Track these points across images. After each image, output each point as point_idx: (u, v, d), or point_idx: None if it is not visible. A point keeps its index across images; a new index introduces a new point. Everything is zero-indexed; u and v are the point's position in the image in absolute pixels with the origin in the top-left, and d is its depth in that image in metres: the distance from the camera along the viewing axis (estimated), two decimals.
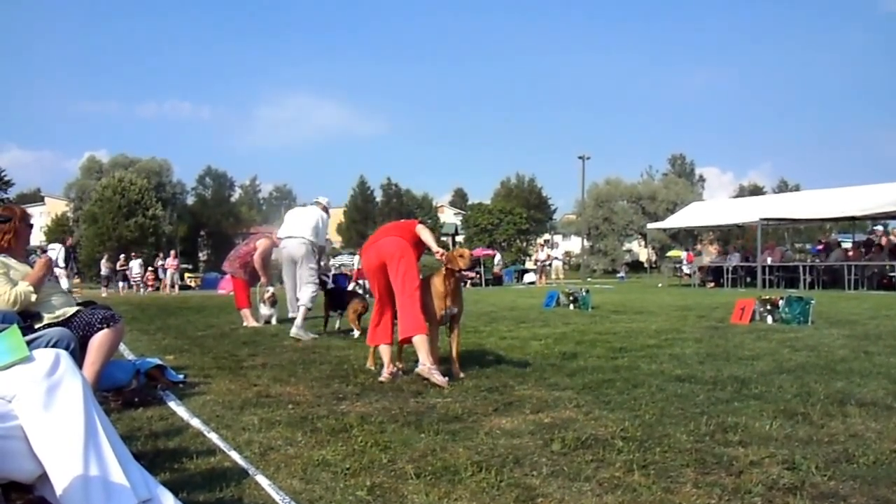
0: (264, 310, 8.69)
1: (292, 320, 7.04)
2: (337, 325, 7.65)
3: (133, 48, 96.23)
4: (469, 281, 4.76)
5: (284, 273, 7.57)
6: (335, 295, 7.72)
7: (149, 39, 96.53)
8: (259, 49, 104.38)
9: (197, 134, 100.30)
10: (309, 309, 6.98)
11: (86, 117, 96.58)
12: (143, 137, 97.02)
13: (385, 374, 4.33)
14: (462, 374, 4.32)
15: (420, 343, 4.18)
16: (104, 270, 25.72)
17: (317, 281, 7.21)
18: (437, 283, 4.42)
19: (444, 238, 40.46)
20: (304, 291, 7.03)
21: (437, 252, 4.44)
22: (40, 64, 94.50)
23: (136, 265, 27.04)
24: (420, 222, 4.71)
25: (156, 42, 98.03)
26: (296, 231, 7.17)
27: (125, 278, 26.59)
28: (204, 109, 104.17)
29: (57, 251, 17.32)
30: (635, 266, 52.39)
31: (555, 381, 4.11)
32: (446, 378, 4.13)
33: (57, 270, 13.86)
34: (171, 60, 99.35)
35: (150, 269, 27.85)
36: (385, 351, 4.45)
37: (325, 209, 7.51)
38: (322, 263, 7.61)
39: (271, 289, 8.88)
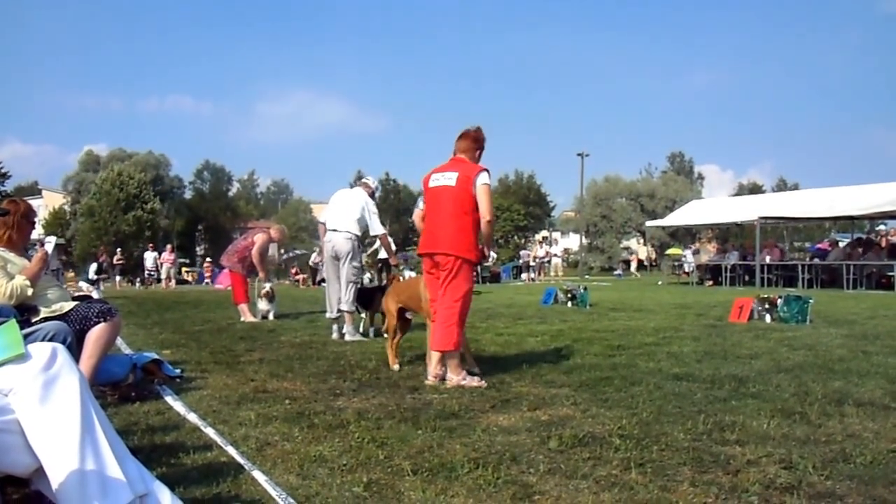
0: (262, 305, 8.70)
1: (336, 320, 6.52)
2: (361, 328, 6.85)
3: (137, 43, 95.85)
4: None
5: (326, 270, 6.95)
6: (362, 293, 7.00)
7: (152, 34, 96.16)
8: (262, 44, 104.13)
9: (196, 128, 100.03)
10: (352, 312, 6.52)
11: (87, 111, 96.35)
12: (144, 132, 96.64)
13: (433, 377, 4.12)
14: (477, 368, 4.26)
15: (450, 360, 4.05)
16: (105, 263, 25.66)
17: (359, 281, 6.61)
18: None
19: None
20: (347, 293, 6.45)
21: (488, 253, 4.33)
22: (43, 58, 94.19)
23: (150, 258, 26.95)
24: (483, 170, 4.15)
25: (159, 37, 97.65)
26: (340, 224, 6.54)
27: (122, 272, 26.55)
28: (205, 104, 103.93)
29: (91, 270, 17.72)
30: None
31: (552, 379, 4.11)
32: (476, 377, 4.06)
33: (83, 285, 14.03)
34: (174, 55, 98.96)
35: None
36: (434, 355, 4.15)
37: (373, 193, 6.89)
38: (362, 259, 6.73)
39: (268, 284, 8.87)
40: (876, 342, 5.76)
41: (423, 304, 4.42)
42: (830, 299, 11.73)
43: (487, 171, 4.17)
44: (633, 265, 37.74)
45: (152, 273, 26.76)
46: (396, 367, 4.57)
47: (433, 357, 4.14)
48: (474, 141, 4.33)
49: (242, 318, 8.51)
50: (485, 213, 4.11)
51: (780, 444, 2.65)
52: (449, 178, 4.18)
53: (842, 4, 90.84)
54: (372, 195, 6.87)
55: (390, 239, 8.21)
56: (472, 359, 4.42)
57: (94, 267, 18.45)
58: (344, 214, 6.59)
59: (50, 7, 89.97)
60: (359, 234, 6.57)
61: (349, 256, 6.47)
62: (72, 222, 49.36)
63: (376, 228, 6.69)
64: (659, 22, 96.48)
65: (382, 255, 11.35)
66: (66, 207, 52.26)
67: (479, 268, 24.21)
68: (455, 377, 4.02)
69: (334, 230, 6.57)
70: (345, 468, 2.40)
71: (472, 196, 4.11)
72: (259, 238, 8.89)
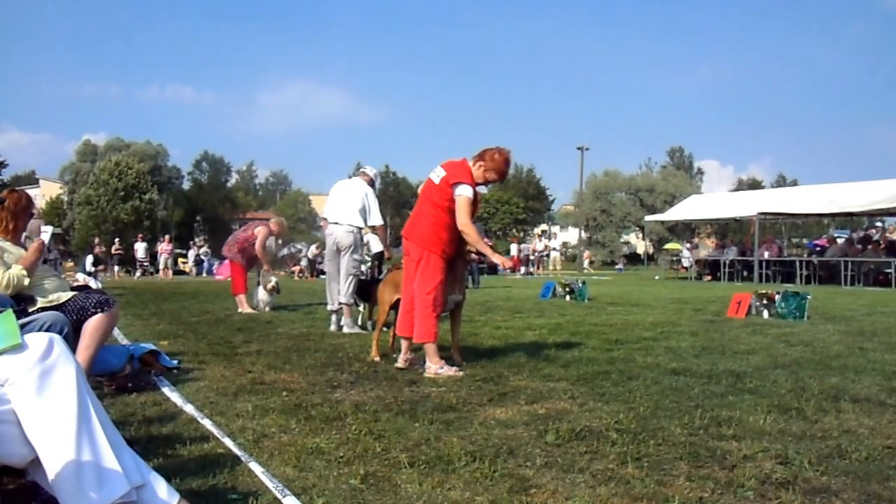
0: (262, 296, 8.70)
1: (335, 312, 6.55)
2: (359, 320, 6.84)
3: (137, 32, 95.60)
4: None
5: (327, 262, 7.00)
6: (361, 285, 6.90)
7: (153, 24, 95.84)
8: (263, 34, 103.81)
9: (196, 119, 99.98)
10: (351, 304, 6.55)
11: (86, 101, 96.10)
12: (143, 122, 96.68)
13: (401, 361, 4.35)
14: (463, 363, 4.33)
15: (428, 349, 4.17)
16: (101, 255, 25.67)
17: (359, 273, 6.68)
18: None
19: None
20: (346, 285, 6.47)
21: (490, 255, 4.46)
22: (42, 46, 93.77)
23: (140, 248, 26.95)
24: (467, 183, 4.20)
25: (160, 26, 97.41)
26: (342, 217, 6.55)
27: (121, 262, 26.55)
28: (206, 94, 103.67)
29: (87, 262, 18.06)
30: (632, 258, 52.45)
31: (549, 373, 4.11)
32: (455, 367, 4.16)
33: (80, 276, 14.19)
34: (175, 45, 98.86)
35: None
36: (405, 339, 4.40)
37: (372, 182, 6.84)
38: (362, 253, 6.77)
39: (274, 278, 8.87)
40: (873, 339, 5.77)
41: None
42: (828, 296, 11.75)
43: (472, 186, 4.22)
44: (587, 262, 36.98)
45: (144, 263, 26.79)
46: (377, 358, 4.64)
47: (404, 342, 4.38)
48: (491, 159, 4.31)
49: (240, 309, 8.50)
50: (459, 222, 4.19)
51: (776, 440, 2.66)
52: (438, 175, 4.32)
53: (843, 1, 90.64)
54: (371, 184, 6.84)
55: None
56: (459, 349, 4.50)
57: (90, 259, 18.75)
58: (345, 207, 6.59)
59: None
60: (361, 226, 6.58)
61: (350, 249, 6.50)
62: (69, 212, 49.28)
63: (375, 219, 6.70)
64: (660, 17, 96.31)
65: (377, 247, 11.31)
66: (64, 197, 52.16)
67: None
68: (433, 366, 4.11)
69: (336, 223, 6.59)
70: (342, 460, 2.40)
71: (449, 196, 4.22)
72: (260, 231, 8.87)
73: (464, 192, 4.18)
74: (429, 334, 4.17)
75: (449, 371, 4.07)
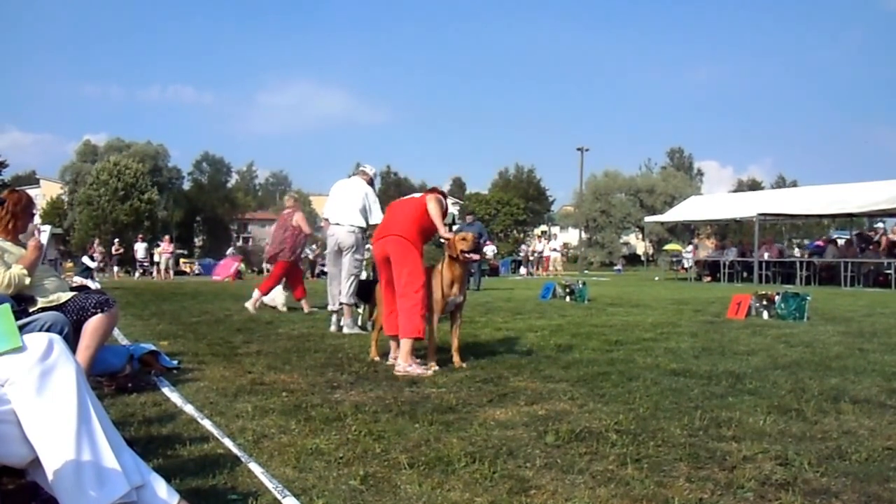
0: (280, 297, 8.81)
1: (335, 312, 6.58)
2: (359, 321, 6.72)
3: (138, 33, 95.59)
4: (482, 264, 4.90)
5: (328, 262, 7.03)
6: (362, 286, 6.74)
7: (155, 24, 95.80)
8: (265, 34, 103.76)
9: (196, 119, 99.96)
10: (353, 305, 6.55)
11: (87, 101, 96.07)
12: (144, 122, 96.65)
13: (392, 360, 4.40)
14: (464, 365, 4.35)
15: (406, 345, 4.23)
16: (96, 255, 25.71)
17: (360, 273, 6.72)
18: (443, 271, 4.45)
19: None
20: (347, 286, 6.47)
21: (443, 232, 4.51)
22: (44, 47, 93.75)
23: (141, 248, 26.95)
24: (435, 190, 4.65)
25: (162, 27, 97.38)
26: (343, 218, 6.56)
27: (120, 263, 26.54)
28: (207, 95, 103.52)
29: (86, 261, 18.52)
30: (632, 259, 52.45)
31: (550, 373, 4.11)
32: (424, 366, 4.21)
33: (77, 279, 14.40)
34: (177, 46, 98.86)
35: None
36: (393, 339, 4.50)
37: (371, 181, 6.88)
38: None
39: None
40: (873, 340, 5.76)
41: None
42: (828, 297, 11.75)
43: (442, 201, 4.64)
44: (560, 264, 35.33)
45: (144, 264, 26.78)
46: (377, 359, 4.67)
47: (393, 340, 4.47)
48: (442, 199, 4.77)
49: (305, 310, 8.56)
50: (428, 206, 4.50)
51: (776, 441, 2.66)
52: (415, 195, 4.76)
53: (844, 1, 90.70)
54: (370, 183, 6.86)
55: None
56: (434, 351, 4.49)
57: (87, 258, 19.30)
58: (346, 207, 6.60)
59: None
60: (363, 225, 6.59)
61: (353, 249, 6.52)
62: (69, 212, 49.30)
63: (376, 218, 6.68)
64: (660, 18, 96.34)
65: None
66: (64, 197, 52.19)
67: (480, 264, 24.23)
68: (403, 363, 4.18)
69: (337, 224, 6.59)
70: (341, 461, 2.40)
71: (423, 212, 4.52)
72: (297, 217, 8.82)
73: (438, 201, 4.57)
74: (414, 330, 4.23)
75: (418, 369, 4.12)
